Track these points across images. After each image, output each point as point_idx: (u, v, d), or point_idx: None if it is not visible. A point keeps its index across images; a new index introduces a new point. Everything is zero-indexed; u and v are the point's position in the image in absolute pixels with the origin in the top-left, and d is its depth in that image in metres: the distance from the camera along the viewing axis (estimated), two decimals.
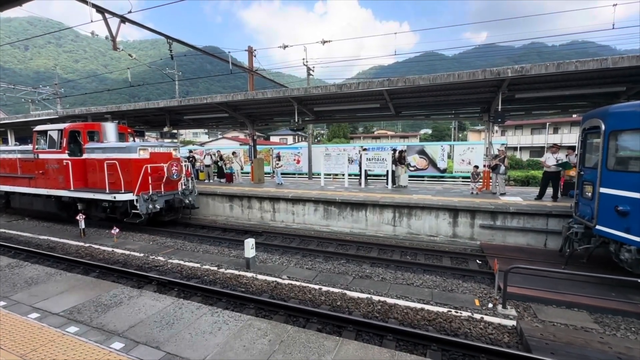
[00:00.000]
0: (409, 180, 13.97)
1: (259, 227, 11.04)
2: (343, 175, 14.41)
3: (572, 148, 9.91)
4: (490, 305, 5.44)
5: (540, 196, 9.59)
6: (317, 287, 6.08)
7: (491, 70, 8.59)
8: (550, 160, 9.16)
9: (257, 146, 16.65)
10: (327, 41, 16.22)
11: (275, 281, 6.38)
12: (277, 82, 20.52)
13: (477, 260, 7.71)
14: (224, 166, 16.46)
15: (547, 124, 39.06)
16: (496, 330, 4.69)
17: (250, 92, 13.14)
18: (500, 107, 9.84)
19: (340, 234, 10.25)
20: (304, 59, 19.59)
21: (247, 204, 12.06)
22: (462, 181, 17.12)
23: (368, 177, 14.37)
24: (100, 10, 8.66)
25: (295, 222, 11.28)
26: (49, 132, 10.92)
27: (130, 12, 9.35)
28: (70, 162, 10.46)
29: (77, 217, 9.98)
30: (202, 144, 37.55)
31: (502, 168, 10.64)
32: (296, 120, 13.28)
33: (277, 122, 17.69)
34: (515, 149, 40.17)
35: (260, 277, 6.61)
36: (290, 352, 3.35)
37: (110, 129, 11.17)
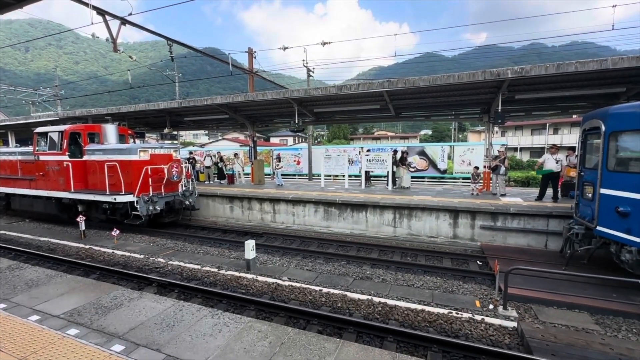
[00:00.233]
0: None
1: (260, 229, 11.04)
2: (343, 176, 14.41)
3: (572, 149, 9.91)
4: (491, 306, 5.43)
5: (540, 197, 9.59)
6: (317, 288, 6.07)
7: (491, 71, 8.59)
8: (549, 161, 9.16)
9: (257, 147, 16.68)
10: (327, 42, 16.32)
11: (276, 283, 6.37)
12: (277, 84, 20.54)
13: (478, 262, 7.70)
14: (224, 167, 16.48)
15: (547, 124, 39.04)
16: (497, 331, 4.68)
17: (250, 93, 13.15)
18: (500, 108, 9.85)
19: (340, 235, 10.24)
20: (304, 60, 19.61)
21: (248, 205, 12.07)
22: (462, 182, 17.10)
23: (371, 178, 14.36)
24: (100, 12, 8.70)
25: (296, 223, 11.28)
26: (49, 134, 10.94)
27: (130, 14, 9.41)
28: (70, 164, 10.47)
29: (78, 219, 9.98)
30: (202, 146, 37.54)
31: (503, 169, 10.63)
32: (296, 122, 13.30)
33: (277, 124, 17.74)
34: (515, 149, 40.18)
35: (260, 278, 6.60)
36: (291, 354, 3.34)
37: (110, 130, 11.19)
